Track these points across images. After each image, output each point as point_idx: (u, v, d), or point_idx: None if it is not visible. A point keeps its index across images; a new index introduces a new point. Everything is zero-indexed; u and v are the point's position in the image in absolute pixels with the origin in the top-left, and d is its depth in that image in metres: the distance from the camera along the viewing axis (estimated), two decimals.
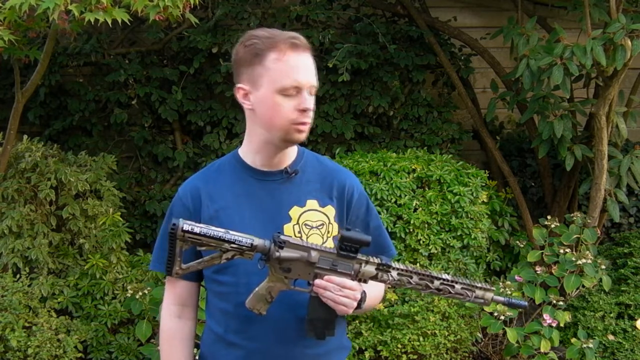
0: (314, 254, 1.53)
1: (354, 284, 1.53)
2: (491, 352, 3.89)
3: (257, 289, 1.56)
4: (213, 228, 1.49)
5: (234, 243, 1.49)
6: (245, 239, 1.49)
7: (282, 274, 1.54)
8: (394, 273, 1.56)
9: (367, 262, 1.55)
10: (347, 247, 1.52)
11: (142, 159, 4.92)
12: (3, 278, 3.60)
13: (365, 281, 1.57)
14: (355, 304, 1.54)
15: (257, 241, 1.50)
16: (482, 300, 1.59)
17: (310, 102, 1.58)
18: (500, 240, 4.22)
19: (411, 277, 1.56)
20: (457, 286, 1.57)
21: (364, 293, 1.57)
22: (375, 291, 1.72)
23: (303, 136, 1.61)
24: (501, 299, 1.61)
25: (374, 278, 1.56)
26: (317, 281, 1.53)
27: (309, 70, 1.59)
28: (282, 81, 1.56)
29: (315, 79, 1.61)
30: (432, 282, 1.56)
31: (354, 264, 1.54)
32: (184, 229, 1.47)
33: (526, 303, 1.70)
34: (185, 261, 1.55)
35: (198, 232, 1.47)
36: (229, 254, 1.50)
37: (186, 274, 1.71)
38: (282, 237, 1.52)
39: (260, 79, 1.58)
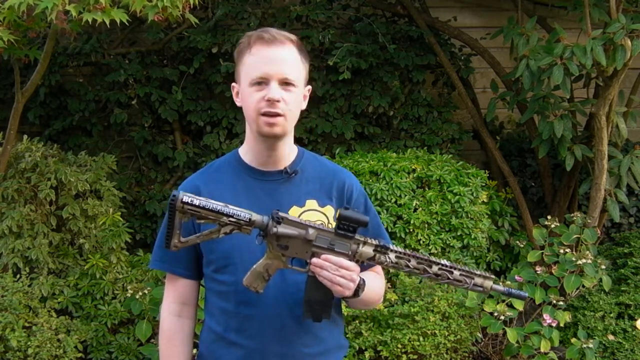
0: (311, 231, 1.53)
1: (351, 264, 1.53)
2: (491, 352, 3.89)
3: (254, 266, 1.56)
4: (212, 201, 1.49)
5: (232, 217, 1.49)
6: (243, 213, 1.50)
7: (280, 251, 1.54)
8: (392, 255, 1.55)
9: (365, 243, 1.55)
10: (345, 227, 1.52)
11: (142, 159, 4.92)
12: (3, 278, 3.60)
13: (362, 262, 1.56)
14: (352, 285, 1.53)
15: (255, 216, 1.51)
16: (480, 288, 1.58)
17: (275, 92, 1.58)
18: (500, 240, 4.22)
19: (409, 261, 1.55)
20: (456, 272, 1.56)
21: (362, 280, 1.56)
22: (376, 285, 1.72)
23: (275, 130, 1.61)
24: (501, 288, 1.60)
25: (372, 259, 1.55)
26: (314, 260, 1.52)
27: (279, 61, 1.60)
28: (251, 74, 1.61)
29: (289, 69, 1.61)
30: (431, 267, 1.56)
31: (352, 244, 1.54)
32: (184, 200, 1.47)
33: (526, 294, 1.69)
34: (180, 258, 1.57)
35: (197, 204, 1.48)
36: (227, 228, 1.51)
37: (186, 273, 1.73)
38: (280, 213, 1.52)
39: (240, 75, 1.65)
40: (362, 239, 1.55)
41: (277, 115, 1.59)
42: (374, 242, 1.55)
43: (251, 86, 1.61)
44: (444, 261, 1.57)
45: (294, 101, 1.62)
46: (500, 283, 3.65)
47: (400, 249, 1.56)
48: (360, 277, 1.56)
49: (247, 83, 1.61)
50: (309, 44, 4.58)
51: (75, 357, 3.55)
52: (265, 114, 1.59)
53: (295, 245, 1.53)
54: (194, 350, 1.83)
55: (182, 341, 1.74)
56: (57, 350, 3.48)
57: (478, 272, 1.58)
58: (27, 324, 3.52)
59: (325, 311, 1.58)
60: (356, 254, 1.54)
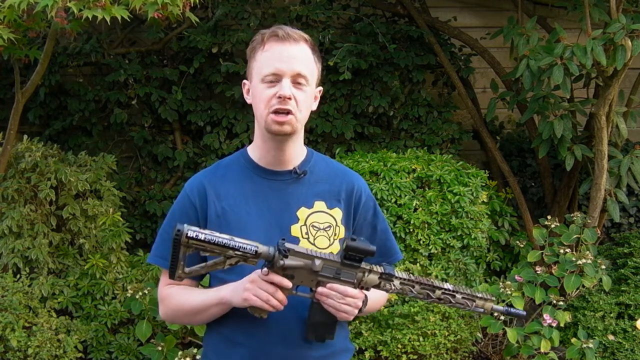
0: (317, 262, 1.53)
1: (355, 292, 1.55)
2: (491, 352, 3.88)
3: None
4: (217, 234, 1.48)
5: (238, 250, 1.49)
6: (249, 246, 1.49)
7: None
8: (397, 282, 1.58)
9: (370, 271, 1.56)
10: (352, 257, 1.53)
11: (142, 159, 4.91)
12: (3, 278, 3.60)
13: (367, 289, 1.59)
14: (356, 311, 1.57)
15: (262, 248, 1.50)
16: (482, 310, 1.62)
17: (286, 88, 1.58)
18: (500, 240, 4.22)
19: (413, 287, 1.59)
20: (458, 296, 1.61)
21: (365, 297, 1.59)
22: (377, 296, 1.73)
23: (285, 128, 1.61)
24: (500, 308, 1.65)
25: (377, 287, 1.58)
26: (320, 289, 1.54)
27: (292, 58, 1.60)
28: (263, 70, 1.60)
29: (301, 66, 1.60)
30: (434, 292, 1.59)
31: (357, 273, 1.55)
32: (189, 235, 1.46)
33: (524, 312, 1.74)
34: (190, 264, 1.54)
35: (202, 238, 1.47)
36: (233, 260, 1.50)
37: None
38: (286, 244, 1.51)
39: (252, 72, 1.64)
40: (368, 267, 1.56)
41: (288, 112, 1.59)
42: (379, 269, 1.57)
43: (263, 83, 1.60)
44: (447, 285, 1.60)
45: (305, 100, 1.62)
46: (501, 283, 3.65)
47: (404, 276, 1.59)
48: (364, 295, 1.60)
49: (259, 79, 1.60)
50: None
51: (75, 357, 3.54)
52: (275, 112, 1.58)
53: (301, 275, 1.54)
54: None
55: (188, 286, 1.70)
56: (57, 350, 3.48)
57: (479, 295, 1.62)
58: (27, 324, 3.52)
59: (329, 332, 1.61)
60: (362, 282, 1.57)
